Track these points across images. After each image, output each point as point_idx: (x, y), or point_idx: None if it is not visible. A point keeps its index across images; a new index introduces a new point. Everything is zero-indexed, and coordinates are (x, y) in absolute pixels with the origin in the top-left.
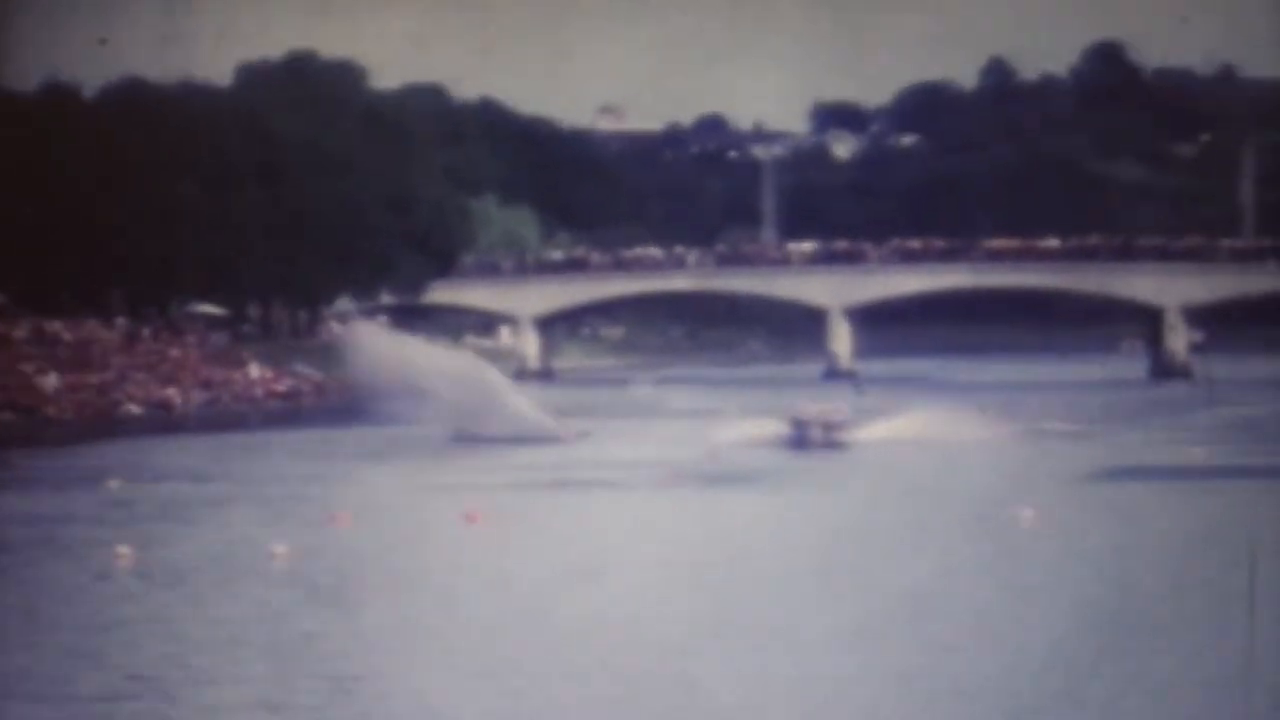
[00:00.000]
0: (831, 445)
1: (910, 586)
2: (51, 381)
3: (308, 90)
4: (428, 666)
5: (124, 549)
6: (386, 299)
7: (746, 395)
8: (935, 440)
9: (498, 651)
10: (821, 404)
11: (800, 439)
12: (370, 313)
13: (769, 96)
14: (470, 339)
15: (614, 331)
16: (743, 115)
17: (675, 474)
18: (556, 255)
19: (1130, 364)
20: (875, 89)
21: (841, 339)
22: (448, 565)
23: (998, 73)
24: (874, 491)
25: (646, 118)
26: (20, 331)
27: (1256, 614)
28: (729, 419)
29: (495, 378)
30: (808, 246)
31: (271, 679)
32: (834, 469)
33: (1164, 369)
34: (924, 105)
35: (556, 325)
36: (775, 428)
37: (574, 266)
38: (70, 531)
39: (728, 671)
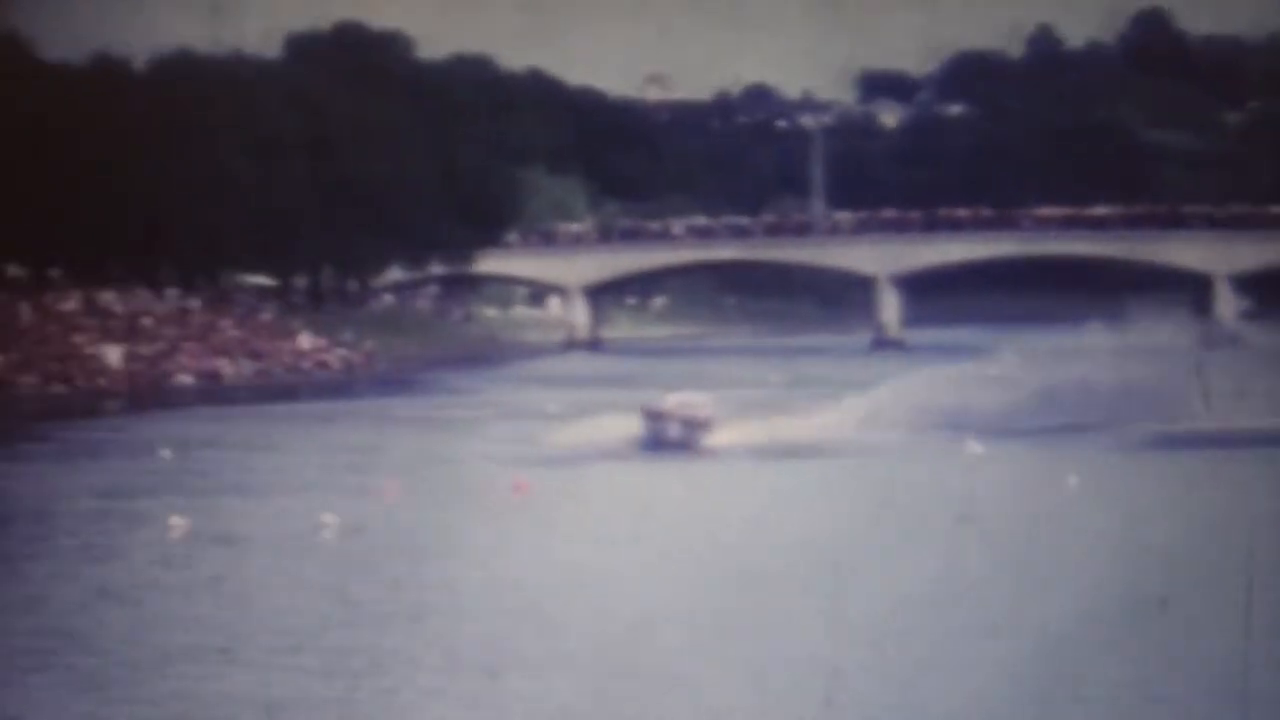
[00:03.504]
0: (688, 447)
1: None
2: (115, 354)
3: (356, 61)
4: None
5: (177, 519)
6: (436, 269)
7: (795, 365)
8: (823, 443)
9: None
10: (681, 394)
11: (656, 437)
12: (420, 283)
13: (817, 65)
14: (520, 309)
15: (660, 301)
16: (790, 84)
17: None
18: (605, 225)
19: (1180, 330)
20: (922, 58)
21: (889, 308)
22: (492, 536)
23: (1044, 40)
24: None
25: (694, 87)
26: (72, 304)
27: None
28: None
29: None
30: (855, 215)
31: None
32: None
33: (1211, 337)
34: (971, 73)
35: (604, 295)
36: (626, 426)
37: (623, 236)
38: (124, 503)
39: None
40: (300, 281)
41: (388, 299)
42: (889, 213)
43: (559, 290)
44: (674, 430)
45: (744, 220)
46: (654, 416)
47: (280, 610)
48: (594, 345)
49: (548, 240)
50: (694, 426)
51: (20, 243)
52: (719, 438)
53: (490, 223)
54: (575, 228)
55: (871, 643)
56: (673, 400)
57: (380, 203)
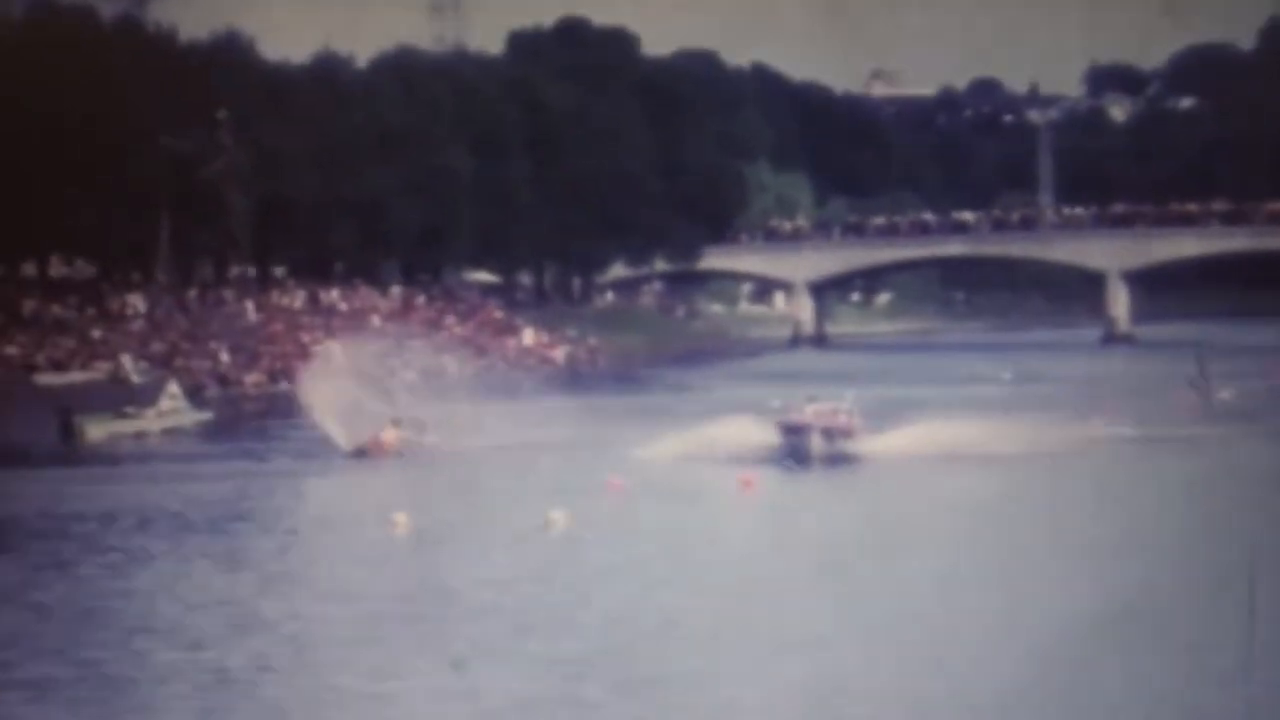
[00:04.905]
0: (837, 459)
1: None
2: (340, 351)
3: (579, 58)
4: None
5: (400, 516)
6: (661, 265)
7: (1025, 360)
8: (983, 452)
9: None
10: (821, 403)
11: (795, 450)
12: (644, 279)
13: (1044, 59)
14: (745, 305)
15: (885, 297)
16: (1017, 78)
17: None
18: (830, 221)
19: None
20: (1152, 51)
21: (1119, 303)
22: (722, 528)
23: (1276, 32)
24: None
25: (920, 82)
26: (297, 302)
27: None
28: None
29: None
30: (1085, 210)
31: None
32: None
33: None
34: (1202, 67)
35: (828, 291)
36: (755, 434)
37: (849, 232)
38: (348, 500)
39: None
40: (524, 278)
41: (611, 296)
42: (1119, 207)
43: (784, 286)
44: (816, 443)
45: (971, 215)
46: (792, 430)
47: (496, 610)
48: (820, 341)
49: (773, 236)
50: (836, 436)
51: (244, 240)
52: (875, 444)
53: (715, 219)
54: (800, 223)
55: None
56: (811, 410)
57: (604, 199)
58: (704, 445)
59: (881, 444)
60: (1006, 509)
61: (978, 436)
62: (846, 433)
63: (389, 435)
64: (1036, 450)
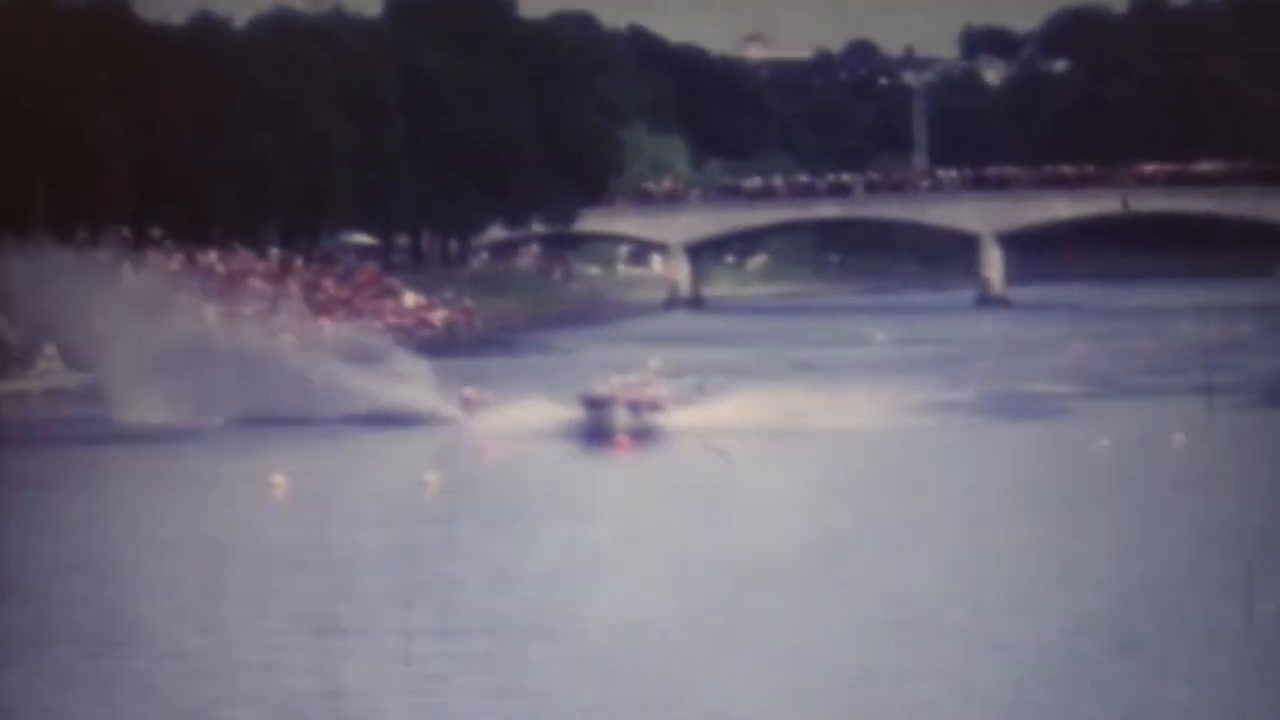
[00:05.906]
0: (644, 434)
1: None
2: (213, 313)
3: (456, 21)
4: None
5: (279, 478)
6: (537, 227)
7: (899, 322)
8: (805, 426)
9: None
10: (629, 375)
11: (596, 428)
12: (521, 241)
13: (920, 21)
14: (622, 267)
15: (759, 259)
16: (893, 41)
17: None
18: (706, 183)
19: None
20: (1026, 13)
21: (993, 265)
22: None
23: None
24: None
25: (795, 44)
26: (174, 264)
27: None
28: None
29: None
30: (959, 173)
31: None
32: None
33: None
34: (1075, 30)
35: (704, 253)
36: (555, 412)
37: (724, 194)
38: (225, 464)
39: None
40: (402, 240)
41: (488, 258)
42: (993, 170)
43: (661, 248)
44: (620, 418)
45: (846, 177)
46: (596, 404)
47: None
48: (695, 303)
49: (649, 198)
50: (642, 409)
51: (121, 203)
52: (690, 418)
53: (591, 181)
54: (676, 185)
55: None
56: (616, 382)
57: (481, 161)
58: (509, 420)
59: (696, 417)
60: (805, 490)
61: (805, 407)
62: (654, 406)
63: (471, 391)
64: (863, 424)
